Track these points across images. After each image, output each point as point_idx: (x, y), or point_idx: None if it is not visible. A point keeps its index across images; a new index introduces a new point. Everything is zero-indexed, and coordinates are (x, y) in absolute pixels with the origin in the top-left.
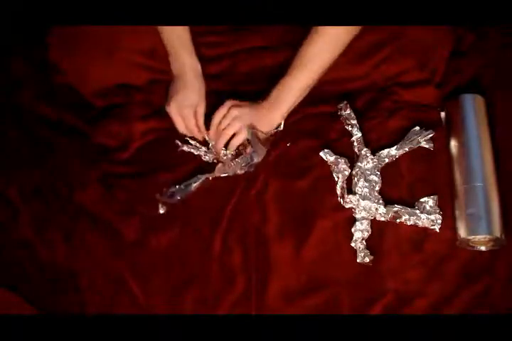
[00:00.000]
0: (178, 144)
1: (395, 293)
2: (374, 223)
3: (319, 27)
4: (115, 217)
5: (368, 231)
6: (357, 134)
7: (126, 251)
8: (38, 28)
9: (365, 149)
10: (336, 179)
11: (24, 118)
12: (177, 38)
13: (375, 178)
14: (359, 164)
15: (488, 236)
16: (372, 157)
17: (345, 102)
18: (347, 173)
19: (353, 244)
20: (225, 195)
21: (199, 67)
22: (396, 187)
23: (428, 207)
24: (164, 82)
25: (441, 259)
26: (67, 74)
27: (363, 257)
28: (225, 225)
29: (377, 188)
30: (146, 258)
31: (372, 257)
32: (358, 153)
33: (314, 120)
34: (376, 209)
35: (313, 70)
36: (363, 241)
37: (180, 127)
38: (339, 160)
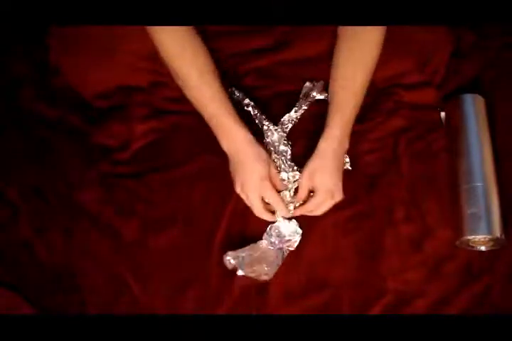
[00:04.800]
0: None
1: (395, 293)
2: (374, 225)
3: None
4: (115, 217)
5: (291, 203)
6: (253, 111)
7: (126, 251)
8: (38, 28)
9: (266, 122)
10: None
11: (24, 118)
12: (215, 101)
13: (284, 148)
14: (266, 140)
15: (488, 236)
16: (275, 128)
17: (232, 88)
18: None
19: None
20: (225, 195)
21: (249, 134)
22: (396, 186)
23: None
24: (165, 84)
25: (441, 259)
26: (68, 76)
27: None
28: (225, 225)
29: (288, 157)
30: (146, 258)
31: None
32: (260, 128)
33: (314, 120)
34: (293, 177)
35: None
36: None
37: (258, 208)
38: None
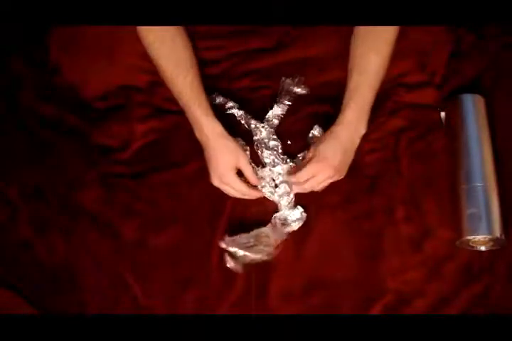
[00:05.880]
0: None
1: (395, 293)
2: (374, 225)
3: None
4: (115, 217)
5: (287, 194)
6: (238, 113)
7: (126, 251)
8: (38, 28)
9: (252, 122)
10: None
11: (24, 118)
12: (188, 94)
13: (274, 142)
14: (255, 137)
15: (488, 236)
16: (262, 125)
17: (216, 93)
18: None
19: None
20: (225, 195)
21: (219, 127)
22: (396, 186)
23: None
24: (164, 84)
25: (441, 259)
26: (68, 76)
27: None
28: (224, 225)
29: (280, 151)
30: (146, 258)
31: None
32: (248, 128)
33: (313, 120)
34: (288, 168)
35: (376, 88)
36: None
37: (236, 194)
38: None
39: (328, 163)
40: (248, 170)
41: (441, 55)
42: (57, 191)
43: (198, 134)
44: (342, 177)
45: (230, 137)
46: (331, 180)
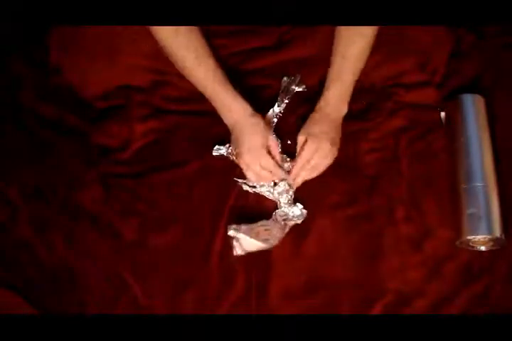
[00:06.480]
0: (237, 181)
1: (395, 293)
2: (374, 225)
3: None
4: (115, 217)
5: (287, 192)
6: None
7: (126, 251)
8: (38, 28)
9: None
10: None
11: (24, 118)
12: (214, 80)
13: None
14: None
15: (488, 236)
16: None
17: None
18: None
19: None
20: (225, 195)
21: (248, 107)
22: (396, 186)
23: None
24: (164, 84)
25: (441, 259)
26: (68, 76)
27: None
28: (225, 225)
29: (279, 149)
30: (146, 258)
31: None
32: None
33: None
34: (288, 167)
35: (359, 69)
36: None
37: (260, 174)
38: None
39: (321, 138)
40: (275, 150)
41: (441, 55)
42: (57, 191)
43: (226, 118)
44: (337, 152)
45: (260, 116)
46: (332, 155)
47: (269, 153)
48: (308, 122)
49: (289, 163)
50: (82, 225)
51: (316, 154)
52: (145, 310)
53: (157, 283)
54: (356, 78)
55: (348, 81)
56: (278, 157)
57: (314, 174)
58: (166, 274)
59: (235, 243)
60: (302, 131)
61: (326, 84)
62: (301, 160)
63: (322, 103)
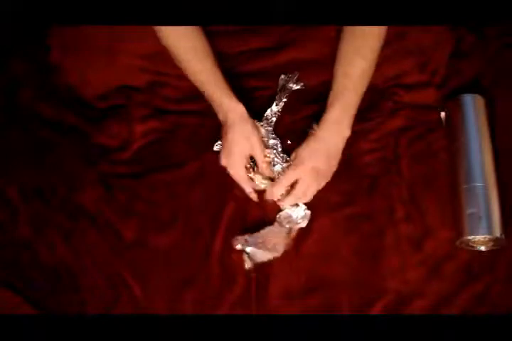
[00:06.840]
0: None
1: (395, 293)
2: (374, 225)
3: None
4: (115, 217)
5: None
6: None
7: (126, 251)
8: (38, 28)
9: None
10: None
11: (24, 118)
12: (213, 80)
13: (274, 141)
14: None
15: (488, 236)
16: (260, 123)
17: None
18: None
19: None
20: (225, 195)
21: (242, 109)
22: (396, 186)
23: None
24: (164, 84)
25: (441, 259)
26: (68, 76)
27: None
28: (224, 225)
29: (279, 149)
30: (146, 258)
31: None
32: None
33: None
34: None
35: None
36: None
37: (238, 179)
38: None
39: (305, 166)
40: (259, 158)
41: (441, 55)
42: (57, 191)
43: (220, 115)
44: (327, 180)
45: (250, 120)
46: (316, 186)
47: (252, 159)
48: (304, 141)
49: (290, 163)
50: (82, 225)
51: (297, 185)
52: (145, 310)
53: (157, 283)
54: (358, 102)
55: (349, 103)
56: (261, 165)
57: (297, 202)
58: (166, 274)
59: (245, 257)
60: (295, 150)
61: (327, 106)
62: (275, 188)
63: (320, 125)
